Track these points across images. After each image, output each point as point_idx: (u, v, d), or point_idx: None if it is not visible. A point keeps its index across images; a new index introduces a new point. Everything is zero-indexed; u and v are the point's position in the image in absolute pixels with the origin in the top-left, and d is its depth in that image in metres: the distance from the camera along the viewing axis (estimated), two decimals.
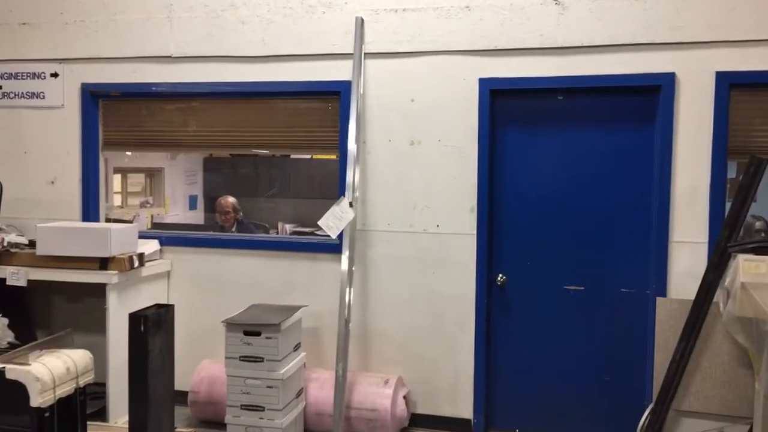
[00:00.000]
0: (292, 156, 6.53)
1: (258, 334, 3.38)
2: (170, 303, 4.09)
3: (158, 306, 3.16)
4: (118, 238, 3.72)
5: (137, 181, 6.29)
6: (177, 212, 6.29)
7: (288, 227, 6.29)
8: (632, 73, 3.54)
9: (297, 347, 3.66)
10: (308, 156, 6.31)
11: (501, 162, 3.83)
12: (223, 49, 4.12)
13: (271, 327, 3.36)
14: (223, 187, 6.47)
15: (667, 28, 3.48)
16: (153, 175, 6.28)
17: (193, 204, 6.48)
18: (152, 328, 3.01)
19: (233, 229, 5.21)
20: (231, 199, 5.24)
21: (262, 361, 3.37)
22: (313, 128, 4.13)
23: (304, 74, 4.02)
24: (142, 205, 6.16)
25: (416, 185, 3.88)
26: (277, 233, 6.21)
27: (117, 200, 5.99)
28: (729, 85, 3.42)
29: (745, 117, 3.47)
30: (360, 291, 3.97)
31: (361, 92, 3.91)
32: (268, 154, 6.47)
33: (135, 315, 2.99)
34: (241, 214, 5.30)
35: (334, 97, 4.01)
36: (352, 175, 3.75)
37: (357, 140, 3.84)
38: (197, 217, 6.32)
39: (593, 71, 3.60)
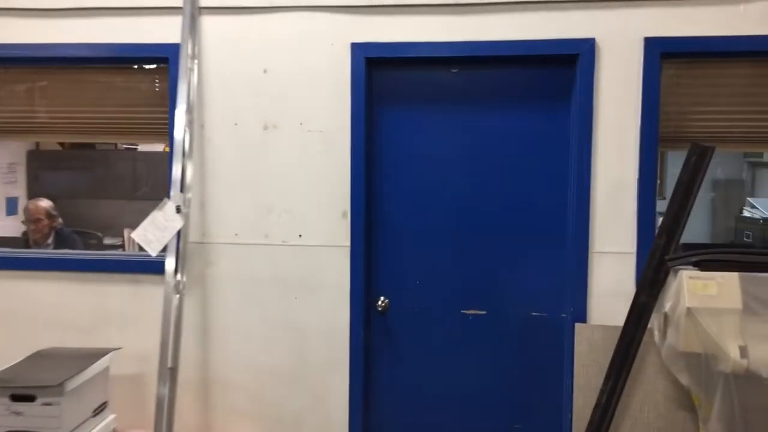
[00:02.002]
0: (141, 148, 5.42)
1: (32, 398, 2.33)
2: None
3: None
4: None
5: None
6: None
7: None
8: (542, 38, 2.78)
9: (101, 409, 2.63)
10: (161, 148, 5.22)
11: (381, 153, 2.97)
12: None
13: (49, 389, 2.32)
14: (54, 187, 5.25)
15: None
16: None
17: (12, 208, 5.20)
18: None
19: (49, 241, 4.06)
20: (44, 204, 4.09)
21: None
22: (136, 109, 3.10)
23: (120, 34, 2.99)
24: None
25: (272, 183, 2.95)
26: (123, 244, 5.07)
27: None
28: (660, 54, 2.72)
29: (680, 96, 2.79)
30: (198, 324, 2.99)
31: (196, 60, 2.93)
32: (109, 145, 5.34)
33: None
34: (61, 220, 4.16)
35: (162, 66, 3.01)
36: (179, 171, 2.76)
37: (190, 124, 2.86)
38: (17, 225, 5.06)
39: (494, 36, 2.80)
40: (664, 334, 2.47)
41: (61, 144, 5.40)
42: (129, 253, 3.08)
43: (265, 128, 2.95)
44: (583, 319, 2.79)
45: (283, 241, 2.96)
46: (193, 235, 2.97)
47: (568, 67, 2.82)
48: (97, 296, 3.04)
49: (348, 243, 2.93)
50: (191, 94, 2.88)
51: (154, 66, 3.04)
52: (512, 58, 2.82)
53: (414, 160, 2.95)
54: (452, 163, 2.93)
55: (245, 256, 2.98)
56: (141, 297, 3.02)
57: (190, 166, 2.86)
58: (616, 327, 2.67)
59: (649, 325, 2.57)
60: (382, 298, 2.98)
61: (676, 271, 2.43)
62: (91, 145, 5.46)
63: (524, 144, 2.88)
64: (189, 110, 2.85)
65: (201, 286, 2.99)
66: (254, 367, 2.99)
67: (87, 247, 4.47)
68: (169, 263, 2.68)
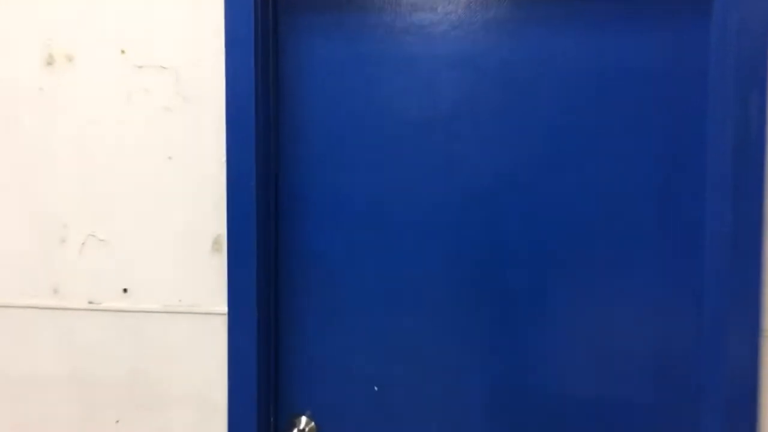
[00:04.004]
0: None
1: None
2: None
3: None
4: None
5: None
6: None
7: None
8: None
9: None
10: None
11: (298, 115, 1.40)
12: None
13: None
14: None
15: None
16: None
17: None
18: None
19: None
20: None
21: None
22: None
23: None
24: None
25: (66, 179, 1.39)
26: None
27: None
28: None
29: None
30: None
31: None
32: None
33: None
34: None
35: None
36: None
37: None
38: None
39: None
40: None
41: None
42: None
43: (50, 62, 1.39)
44: None
45: (91, 302, 1.40)
46: None
47: None
48: None
49: (224, 306, 1.36)
50: None
51: None
52: None
53: (370, 132, 1.38)
54: (451, 135, 1.36)
55: (13, 332, 1.42)
56: None
57: None
58: None
59: None
60: (303, 422, 1.42)
61: None
62: None
63: (607, 98, 1.31)
64: None
65: None
66: None
67: None
68: None
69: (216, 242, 1.37)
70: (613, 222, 1.31)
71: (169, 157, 1.37)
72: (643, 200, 1.30)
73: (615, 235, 1.31)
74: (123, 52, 1.37)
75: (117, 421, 1.41)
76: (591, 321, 1.33)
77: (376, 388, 1.41)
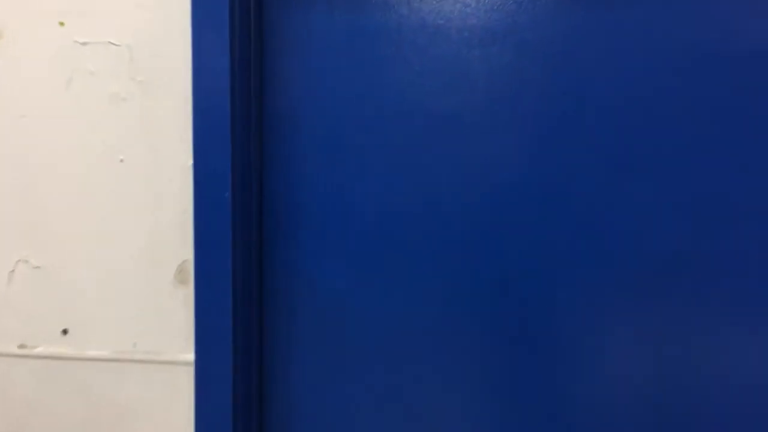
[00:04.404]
0: None
1: None
2: None
3: None
4: None
5: None
6: None
7: None
8: None
9: None
10: None
11: (286, 105, 1.09)
12: None
13: None
14: None
15: None
16: None
17: None
18: None
19: None
20: None
21: None
22: None
23: None
24: None
25: None
26: None
27: None
28: None
29: None
30: None
31: None
32: None
33: None
34: None
35: None
36: None
37: None
38: None
39: None
40: None
41: None
42: None
43: None
44: None
45: (23, 346, 1.10)
46: None
47: None
48: None
49: (191, 353, 1.05)
50: None
51: None
52: None
53: (379, 126, 1.07)
54: (485, 130, 1.05)
55: None
56: None
57: None
58: None
59: None
60: None
61: None
62: None
63: (701, 81, 0.99)
64: None
65: None
66: None
67: None
68: None
69: (180, 271, 1.06)
70: (710, 242, 0.99)
71: (121, 160, 1.06)
72: (752, 215, 0.98)
73: (712, 258, 0.99)
74: (62, 24, 1.06)
75: None
76: (683, 374, 1.01)
77: None
